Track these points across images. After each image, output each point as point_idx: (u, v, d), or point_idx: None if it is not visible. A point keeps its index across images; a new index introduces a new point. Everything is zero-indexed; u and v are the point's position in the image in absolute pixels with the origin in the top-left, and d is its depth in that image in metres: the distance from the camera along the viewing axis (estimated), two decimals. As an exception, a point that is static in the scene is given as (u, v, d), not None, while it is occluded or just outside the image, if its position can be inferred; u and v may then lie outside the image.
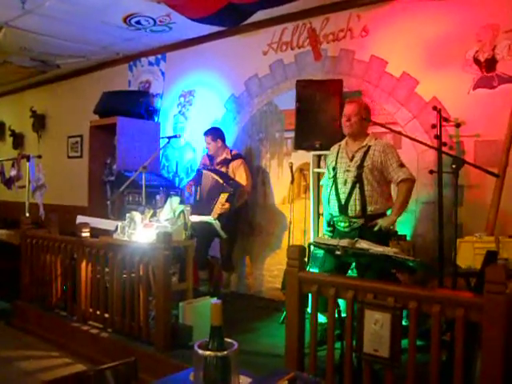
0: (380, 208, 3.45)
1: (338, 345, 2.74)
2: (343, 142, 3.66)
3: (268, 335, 3.98)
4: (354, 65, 4.71)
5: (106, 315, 3.97)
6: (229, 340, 1.42)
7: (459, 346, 2.26)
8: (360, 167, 3.43)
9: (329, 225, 3.70)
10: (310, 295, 2.76)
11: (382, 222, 3.35)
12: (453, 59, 4.14)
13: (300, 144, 4.51)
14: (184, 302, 3.74)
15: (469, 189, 4.05)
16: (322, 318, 3.15)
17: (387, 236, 3.54)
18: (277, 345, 3.59)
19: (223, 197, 4.70)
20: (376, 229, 3.32)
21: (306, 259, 4.04)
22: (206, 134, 5.09)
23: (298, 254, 2.74)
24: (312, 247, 3.28)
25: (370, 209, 3.41)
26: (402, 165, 3.48)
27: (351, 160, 3.50)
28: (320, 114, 4.39)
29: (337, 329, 2.88)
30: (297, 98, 4.56)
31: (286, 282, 2.92)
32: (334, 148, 3.70)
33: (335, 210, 3.52)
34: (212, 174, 4.90)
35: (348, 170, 3.48)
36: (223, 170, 4.97)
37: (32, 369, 3.77)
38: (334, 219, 3.57)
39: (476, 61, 4.06)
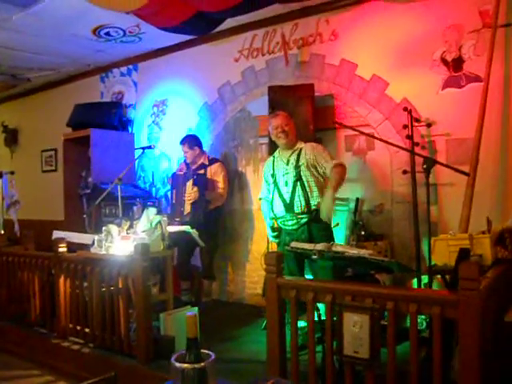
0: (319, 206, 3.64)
1: (319, 348, 2.77)
2: (276, 153, 3.92)
3: (251, 342, 3.97)
4: (324, 69, 4.76)
5: (87, 330, 3.93)
6: (205, 351, 1.42)
7: (437, 342, 2.29)
8: (297, 167, 3.68)
9: (273, 230, 3.89)
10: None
11: (322, 206, 3.48)
12: (421, 60, 4.22)
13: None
14: (165, 313, 3.72)
15: (443, 187, 4.12)
16: (302, 322, 3.17)
17: (330, 227, 3.71)
18: (259, 351, 3.58)
19: (189, 185, 4.80)
20: (322, 216, 3.47)
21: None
22: (183, 142, 5.08)
23: (276, 260, 2.76)
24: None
25: (313, 203, 3.62)
26: (332, 157, 3.73)
27: (287, 164, 3.74)
28: (293, 119, 4.40)
29: (318, 332, 2.90)
30: (269, 104, 4.58)
31: (265, 288, 2.94)
32: (269, 160, 3.97)
33: (281, 211, 3.71)
34: (191, 185, 4.92)
35: (287, 173, 3.72)
36: (201, 171, 4.97)
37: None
38: (281, 220, 3.75)
39: (443, 61, 4.14)
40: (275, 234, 3.87)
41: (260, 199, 4.09)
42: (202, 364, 1.36)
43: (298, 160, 3.71)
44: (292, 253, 3.18)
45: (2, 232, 5.18)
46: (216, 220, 5.01)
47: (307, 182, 3.66)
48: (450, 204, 4.06)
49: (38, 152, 7.87)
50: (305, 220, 3.63)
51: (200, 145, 5.12)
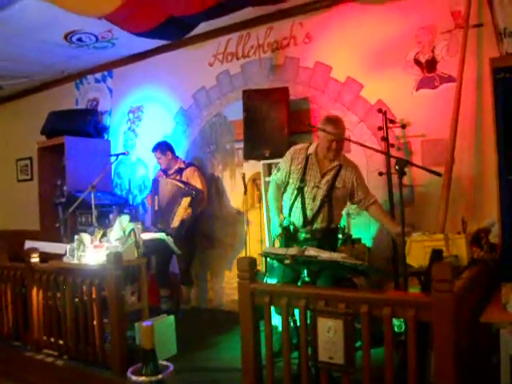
0: (339, 219, 3.60)
1: (296, 354, 2.72)
2: (312, 151, 3.47)
3: (229, 349, 3.91)
4: (299, 72, 4.74)
5: (61, 342, 3.84)
6: (164, 362, 1.37)
7: (412, 346, 2.26)
8: (331, 188, 3.40)
9: (280, 225, 3.54)
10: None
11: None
12: (395, 61, 4.22)
13: (250, 154, 4.49)
14: (139, 322, 3.65)
15: (419, 188, 4.11)
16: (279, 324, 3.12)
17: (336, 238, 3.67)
18: (237, 359, 3.52)
19: (186, 200, 4.67)
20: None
21: (265, 270, 4.06)
22: (154, 149, 5.05)
23: (248, 266, 2.70)
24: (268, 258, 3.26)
25: (333, 225, 3.48)
26: (367, 188, 3.59)
27: (322, 177, 3.42)
28: (268, 123, 4.39)
29: (294, 338, 2.86)
30: (244, 108, 4.55)
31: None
32: (301, 154, 3.49)
33: (299, 222, 3.44)
34: (171, 180, 4.87)
35: (318, 187, 3.40)
36: (178, 177, 4.93)
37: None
38: (293, 228, 3.49)
39: (417, 62, 4.14)
40: (279, 232, 3.52)
41: (271, 181, 3.70)
42: (160, 376, 1.31)
43: (334, 179, 3.42)
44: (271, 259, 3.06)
45: (-26, 243, 5.05)
46: (192, 225, 4.91)
47: (336, 203, 3.44)
48: (426, 205, 4.05)
49: (12, 161, 7.73)
50: (319, 236, 3.41)
51: (172, 150, 5.07)
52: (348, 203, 3.65)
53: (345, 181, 3.44)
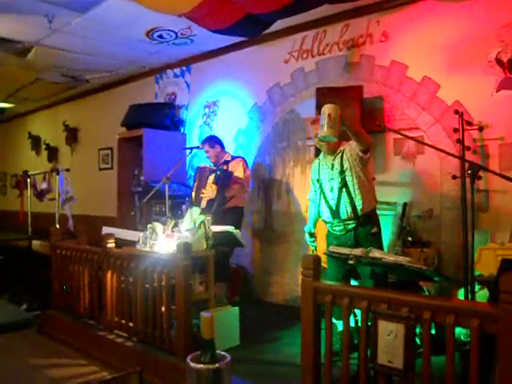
0: (368, 206, 3.55)
1: (355, 354, 2.72)
2: (321, 156, 3.78)
3: (290, 344, 3.96)
4: (374, 70, 4.67)
5: (131, 324, 4.03)
6: (222, 352, 1.43)
7: (474, 356, 2.20)
8: (342, 172, 3.55)
9: (311, 235, 3.82)
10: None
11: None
12: (474, 61, 4.06)
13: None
14: (204, 312, 3.77)
15: (494, 194, 3.95)
16: (341, 326, 3.13)
17: (378, 234, 3.61)
18: (297, 355, 3.56)
19: (210, 178, 4.79)
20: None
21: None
22: (203, 143, 5.10)
23: (313, 264, 2.73)
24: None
25: (359, 208, 3.51)
26: None
27: (332, 169, 3.61)
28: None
29: (355, 338, 2.85)
30: (317, 106, 4.55)
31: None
32: (315, 163, 3.83)
33: (328, 217, 3.63)
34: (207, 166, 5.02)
35: (332, 179, 3.61)
36: (224, 167, 4.92)
37: (60, 376, 3.85)
38: (329, 225, 3.68)
39: (499, 62, 3.96)
40: (313, 239, 3.82)
41: (308, 200, 4.00)
42: (217, 365, 1.37)
43: (342, 165, 3.57)
44: (335, 257, 3.11)
45: (58, 226, 5.39)
46: (235, 220, 4.77)
47: (353, 186, 3.53)
48: (501, 212, 3.88)
49: (95, 150, 8.18)
50: (352, 226, 3.53)
51: (221, 143, 5.09)
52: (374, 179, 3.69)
53: (349, 160, 3.54)
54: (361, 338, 2.56)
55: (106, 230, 4.56)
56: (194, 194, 5.09)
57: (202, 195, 4.86)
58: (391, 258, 2.54)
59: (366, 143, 3.42)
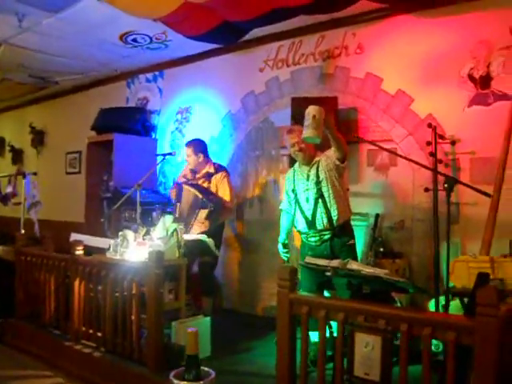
0: (344, 216, 3.57)
1: (331, 365, 2.70)
2: (296, 165, 3.79)
3: (264, 355, 3.91)
4: (349, 82, 4.71)
5: (99, 334, 3.92)
6: (205, 369, 1.39)
7: (450, 369, 2.21)
8: (318, 183, 3.56)
9: (284, 246, 3.83)
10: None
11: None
12: (448, 76, 4.14)
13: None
14: (176, 322, 3.70)
15: (465, 206, 4.02)
16: (315, 337, 3.12)
17: (353, 245, 3.64)
18: (272, 365, 3.53)
19: (202, 213, 4.42)
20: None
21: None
22: (188, 144, 4.79)
23: (289, 275, 2.70)
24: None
25: (335, 219, 3.52)
26: None
27: (307, 179, 3.62)
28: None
29: (330, 350, 2.84)
30: (292, 115, 4.56)
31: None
32: (289, 173, 3.84)
33: (304, 227, 3.62)
34: (192, 189, 4.52)
35: (307, 189, 3.60)
36: (205, 184, 4.63)
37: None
38: (304, 236, 3.68)
39: (471, 78, 4.05)
40: (286, 250, 3.82)
41: (281, 210, 3.98)
42: (201, 382, 1.33)
43: (318, 175, 3.58)
44: (309, 268, 3.11)
45: (23, 231, 5.23)
46: (218, 233, 4.66)
47: (329, 197, 3.54)
48: (472, 224, 3.95)
49: (62, 154, 7.99)
50: (327, 236, 3.54)
51: (205, 152, 4.80)
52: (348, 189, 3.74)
53: (325, 169, 3.56)
54: (337, 349, 2.55)
55: (74, 236, 4.44)
56: (177, 213, 4.72)
57: (192, 223, 4.50)
58: (369, 270, 2.54)
59: (345, 151, 3.45)
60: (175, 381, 1.29)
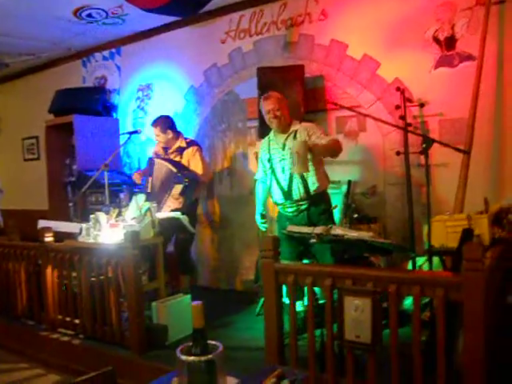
0: (321, 186, 3.51)
1: (317, 332, 2.71)
2: (271, 134, 3.70)
3: (245, 328, 3.92)
4: (314, 49, 4.65)
5: (77, 321, 3.84)
6: (213, 342, 1.34)
7: (441, 325, 2.25)
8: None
9: (262, 216, 3.80)
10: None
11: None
12: (413, 39, 4.14)
13: (264, 132, 4.38)
14: (157, 302, 3.64)
15: (436, 168, 4.06)
16: (299, 307, 3.13)
17: (331, 212, 3.59)
18: (255, 337, 3.54)
19: (177, 188, 4.26)
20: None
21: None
22: (154, 124, 4.53)
23: (272, 245, 2.68)
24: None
25: (312, 189, 3.47)
26: (327, 134, 3.61)
27: (283, 149, 3.55)
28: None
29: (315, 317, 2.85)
30: (258, 86, 4.48)
31: (261, 274, 2.87)
32: (264, 141, 3.75)
33: (280, 198, 3.57)
34: (165, 162, 4.37)
35: (283, 159, 3.53)
36: (177, 159, 4.47)
37: (2, 383, 3.60)
38: (280, 206, 3.63)
39: (436, 40, 4.06)
40: (264, 220, 3.78)
41: (255, 180, 3.91)
42: (210, 356, 1.28)
43: None
44: (288, 237, 3.09)
45: (-15, 222, 5.02)
46: (192, 209, 4.49)
47: None
48: (443, 185, 4.01)
49: (18, 140, 7.66)
50: (304, 206, 3.50)
51: (174, 128, 4.56)
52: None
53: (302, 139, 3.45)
54: (326, 315, 2.56)
55: (42, 223, 4.28)
56: (149, 188, 4.52)
57: (165, 199, 4.33)
58: (353, 234, 2.54)
59: (338, 152, 3.42)
60: (182, 356, 1.24)
